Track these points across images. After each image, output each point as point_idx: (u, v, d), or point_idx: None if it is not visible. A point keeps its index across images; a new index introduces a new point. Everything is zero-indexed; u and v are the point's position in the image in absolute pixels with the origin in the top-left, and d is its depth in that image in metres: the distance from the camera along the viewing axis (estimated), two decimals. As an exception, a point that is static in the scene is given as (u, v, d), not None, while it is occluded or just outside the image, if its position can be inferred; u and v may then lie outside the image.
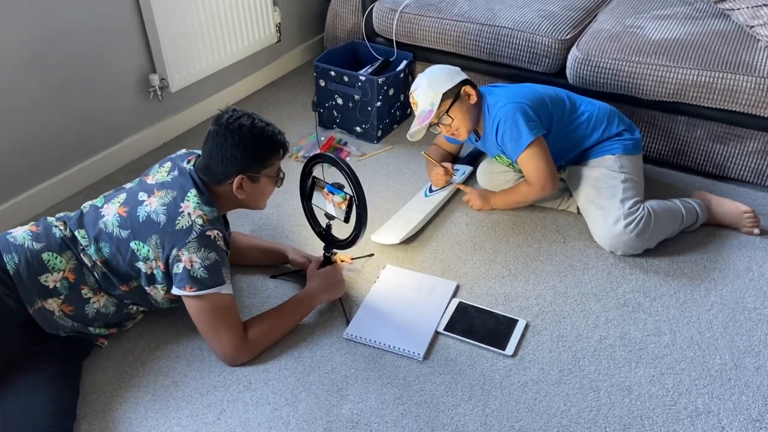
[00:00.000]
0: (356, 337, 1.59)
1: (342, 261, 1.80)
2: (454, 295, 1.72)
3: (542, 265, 1.82)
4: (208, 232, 1.42)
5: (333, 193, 1.62)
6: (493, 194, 2.03)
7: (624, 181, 1.83)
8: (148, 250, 1.43)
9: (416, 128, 1.88)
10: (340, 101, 2.42)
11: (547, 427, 1.38)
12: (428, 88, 1.86)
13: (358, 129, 2.44)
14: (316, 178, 1.69)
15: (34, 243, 1.42)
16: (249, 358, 1.52)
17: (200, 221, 1.43)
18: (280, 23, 2.78)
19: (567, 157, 1.95)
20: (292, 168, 2.10)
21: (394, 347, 1.55)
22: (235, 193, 1.51)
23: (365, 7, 2.60)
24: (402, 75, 2.44)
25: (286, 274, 1.80)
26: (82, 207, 1.54)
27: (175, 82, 2.33)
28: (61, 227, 1.47)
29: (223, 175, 1.49)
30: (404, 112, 2.55)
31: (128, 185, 1.56)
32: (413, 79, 1.97)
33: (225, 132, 1.46)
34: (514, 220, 2.00)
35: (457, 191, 2.11)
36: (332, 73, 2.38)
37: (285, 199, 2.10)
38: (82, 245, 1.45)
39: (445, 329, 1.60)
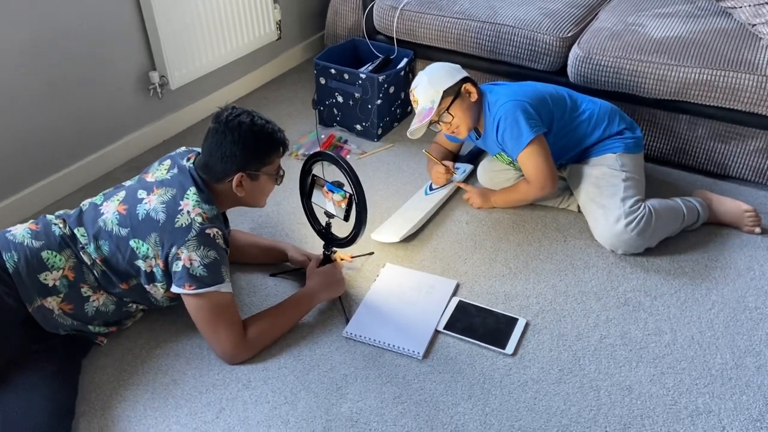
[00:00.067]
0: (356, 335, 1.58)
1: (342, 259, 1.80)
2: (454, 293, 1.72)
3: (542, 263, 1.82)
4: (207, 231, 1.42)
5: (333, 192, 1.62)
6: (493, 193, 2.03)
7: (625, 179, 1.82)
8: (148, 248, 1.43)
9: (416, 126, 1.87)
10: (340, 99, 2.42)
11: (547, 427, 1.37)
12: (429, 86, 1.85)
13: (359, 127, 2.44)
14: (315, 176, 1.68)
15: (33, 241, 1.42)
16: (248, 356, 1.52)
17: (199, 219, 1.42)
18: (280, 21, 2.77)
19: (568, 155, 1.95)
20: (292, 166, 2.09)
21: (394, 346, 1.55)
22: (234, 190, 1.50)
23: (366, 4, 2.60)
24: (402, 73, 2.43)
25: (285, 273, 1.79)
26: (81, 205, 1.54)
27: (175, 79, 2.33)
28: (61, 225, 1.47)
29: (222, 172, 1.49)
30: (405, 110, 2.55)
31: (128, 183, 1.56)
32: (414, 77, 1.96)
33: (224, 129, 1.45)
34: (515, 219, 1.99)
35: (458, 190, 2.10)
36: (332, 70, 2.37)
37: (285, 197, 2.09)
38: (81, 243, 1.45)
39: (444, 328, 1.60)
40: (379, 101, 2.34)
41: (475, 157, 2.25)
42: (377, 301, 1.69)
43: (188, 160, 1.54)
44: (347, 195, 1.58)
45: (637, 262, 1.81)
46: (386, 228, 1.92)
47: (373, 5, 2.56)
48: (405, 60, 2.45)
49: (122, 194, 1.50)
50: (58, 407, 1.34)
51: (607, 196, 1.82)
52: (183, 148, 1.62)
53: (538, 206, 2.03)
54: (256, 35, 2.65)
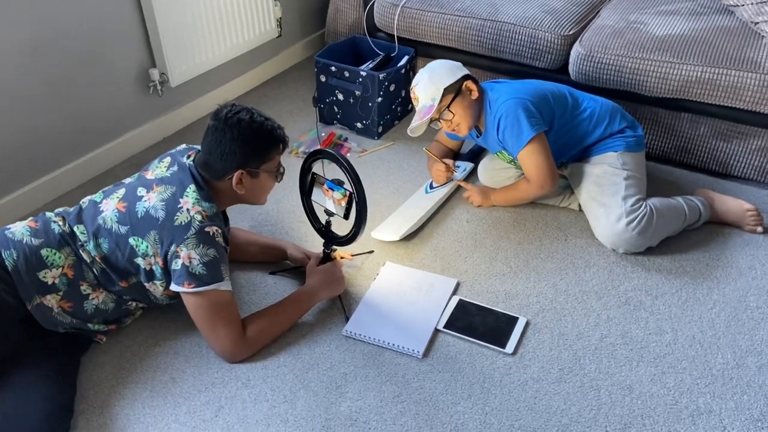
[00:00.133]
0: (355, 334, 1.58)
1: (342, 258, 1.80)
2: (454, 292, 1.71)
3: (543, 262, 1.81)
4: (206, 229, 1.42)
5: (333, 190, 1.61)
6: (494, 191, 2.02)
7: (626, 178, 1.82)
8: (147, 246, 1.43)
9: (417, 123, 1.87)
10: (340, 97, 2.41)
11: (547, 426, 1.37)
12: (429, 83, 1.85)
13: (359, 125, 2.43)
14: (315, 174, 1.68)
15: (32, 239, 1.42)
16: (248, 355, 1.51)
17: (199, 217, 1.42)
18: (280, 18, 2.76)
19: (569, 153, 1.94)
20: (292, 164, 2.08)
21: (394, 345, 1.55)
22: (234, 188, 1.50)
23: (367, 1, 2.59)
24: (403, 71, 2.42)
25: (285, 271, 1.79)
26: (81, 202, 1.53)
27: (175, 76, 2.32)
28: (60, 223, 1.46)
29: (222, 170, 1.48)
30: (405, 108, 2.54)
31: (127, 180, 1.55)
32: (414, 74, 1.95)
33: (224, 127, 1.45)
34: (515, 218, 1.99)
35: (458, 188, 2.10)
36: (333, 68, 2.37)
37: (285, 195, 2.09)
38: (80, 241, 1.45)
39: (444, 327, 1.60)
40: (379, 99, 2.33)
41: (476, 155, 2.24)
42: (377, 300, 1.68)
43: (188, 157, 1.53)
44: (347, 193, 1.58)
45: (638, 261, 1.80)
46: (386, 226, 1.91)
47: (374, 2, 2.55)
48: (406, 58, 2.44)
49: (122, 192, 1.50)
50: (57, 405, 1.34)
51: (608, 194, 1.81)
52: (183, 146, 1.61)
53: (538, 205, 2.03)
54: (256, 32, 2.64)
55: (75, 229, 1.46)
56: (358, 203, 1.56)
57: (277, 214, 2.03)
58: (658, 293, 1.70)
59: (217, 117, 1.47)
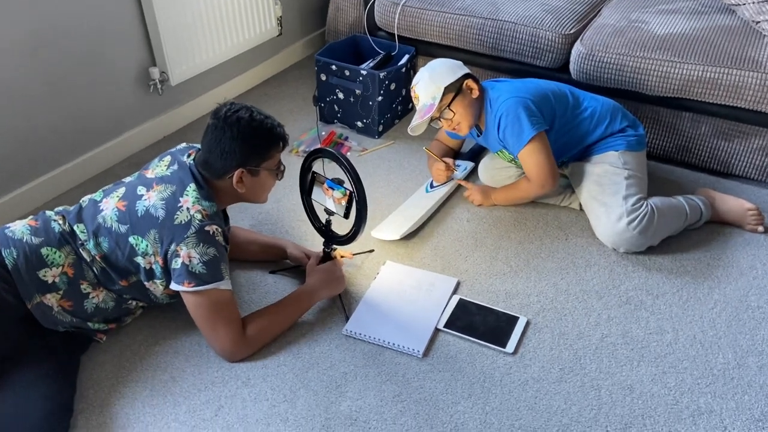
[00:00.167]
0: (356, 333, 1.58)
1: (342, 257, 1.79)
2: (455, 291, 1.71)
3: (544, 262, 1.81)
4: (206, 228, 1.41)
5: (333, 189, 1.61)
6: (494, 190, 2.02)
7: (627, 177, 1.81)
8: (147, 245, 1.42)
9: (417, 122, 1.86)
10: (341, 96, 2.41)
11: (547, 426, 1.37)
12: (430, 82, 1.84)
13: (359, 124, 2.43)
14: (316, 173, 1.68)
15: (32, 237, 1.42)
16: (247, 354, 1.51)
17: (199, 216, 1.42)
18: (281, 17, 2.76)
19: (570, 153, 1.94)
20: (292, 163, 2.08)
21: (394, 344, 1.54)
22: (235, 187, 1.50)
23: (367, 0, 2.59)
24: (404, 69, 2.42)
25: (285, 270, 1.79)
26: (81, 201, 1.53)
27: (175, 75, 2.32)
28: (60, 221, 1.46)
29: (222, 169, 1.48)
30: (406, 107, 2.54)
31: (127, 179, 1.55)
32: (415, 73, 1.95)
33: (223, 125, 1.45)
34: (516, 217, 1.98)
35: (459, 187, 2.10)
36: (333, 67, 2.36)
37: (285, 194, 2.09)
38: (81, 240, 1.44)
39: (445, 326, 1.59)
40: (380, 98, 2.33)
41: (477, 154, 2.23)
42: (377, 299, 1.68)
43: (189, 156, 1.53)
44: (347, 192, 1.57)
45: (639, 260, 1.80)
46: (387, 225, 1.91)
47: (374, 1, 2.54)
48: (406, 56, 2.43)
49: (122, 190, 1.50)
50: (56, 404, 1.34)
51: (609, 194, 1.81)
52: (183, 145, 1.61)
53: (539, 204, 2.03)
54: (256, 31, 2.64)
55: (75, 227, 1.45)
56: (358, 202, 1.56)
57: (277, 213, 2.03)
58: (659, 293, 1.70)
59: (217, 116, 1.46)
